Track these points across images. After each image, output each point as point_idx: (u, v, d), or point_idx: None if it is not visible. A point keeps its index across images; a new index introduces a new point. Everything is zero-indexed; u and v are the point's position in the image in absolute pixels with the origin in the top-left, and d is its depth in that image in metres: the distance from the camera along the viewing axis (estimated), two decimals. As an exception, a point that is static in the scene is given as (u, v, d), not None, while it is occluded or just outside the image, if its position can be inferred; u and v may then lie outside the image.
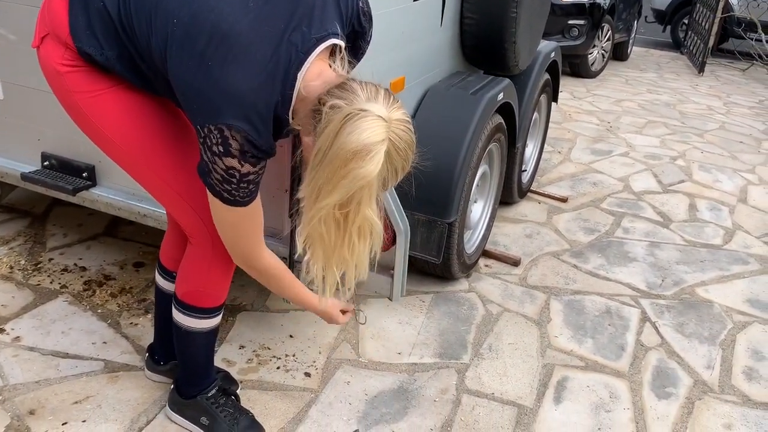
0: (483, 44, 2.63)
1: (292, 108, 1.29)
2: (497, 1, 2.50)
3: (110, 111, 1.45)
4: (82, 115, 1.47)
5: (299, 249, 1.32)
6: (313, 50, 1.26)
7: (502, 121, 2.67)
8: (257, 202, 1.41)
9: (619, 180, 3.94)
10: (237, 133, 1.24)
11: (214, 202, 1.37)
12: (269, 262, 1.53)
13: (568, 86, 6.30)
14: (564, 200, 3.54)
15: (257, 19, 1.23)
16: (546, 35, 6.04)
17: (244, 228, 1.43)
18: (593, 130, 4.90)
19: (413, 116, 2.40)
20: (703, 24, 7.97)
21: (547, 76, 3.31)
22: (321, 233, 1.26)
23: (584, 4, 6.36)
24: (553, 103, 3.69)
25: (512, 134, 2.90)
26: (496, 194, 2.93)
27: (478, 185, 2.65)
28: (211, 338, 1.76)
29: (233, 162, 1.27)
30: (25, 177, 2.29)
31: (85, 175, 2.25)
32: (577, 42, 6.44)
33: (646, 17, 9.32)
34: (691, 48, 8.48)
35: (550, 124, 3.75)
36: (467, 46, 2.68)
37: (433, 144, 2.32)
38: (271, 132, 1.29)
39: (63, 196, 2.30)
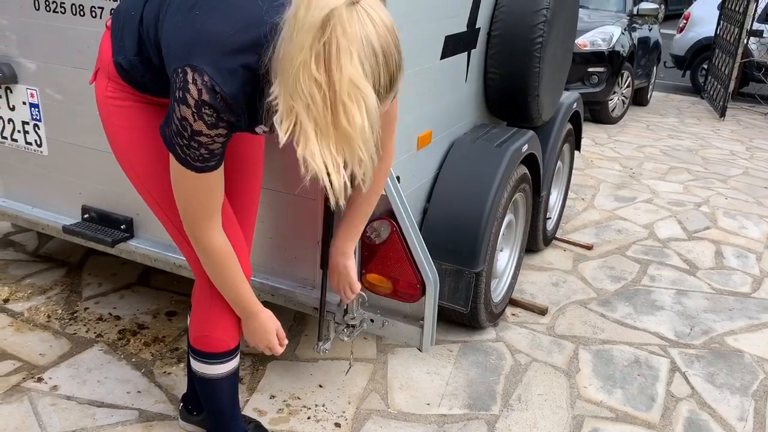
0: (507, 98, 2.70)
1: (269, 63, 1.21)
2: (520, 57, 2.57)
3: (144, 147, 1.54)
4: (118, 147, 1.58)
5: (282, 137, 1.13)
6: None
7: (527, 171, 2.72)
8: (214, 178, 1.37)
9: (644, 227, 3.95)
10: (199, 77, 1.22)
11: (171, 158, 1.36)
12: (217, 242, 1.47)
13: (589, 132, 6.35)
14: (589, 248, 3.55)
15: None
16: (566, 82, 6.15)
17: (196, 196, 1.39)
18: (616, 177, 4.93)
19: (440, 168, 2.45)
20: (723, 69, 8.02)
21: (569, 125, 3.36)
22: (306, 102, 1.10)
23: (603, 52, 6.45)
24: (576, 152, 3.73)
25: (537, 183, 2.94)
26: (521, 243, 2.96)
27: (504, 234, 2.68)
28: (230, 384, 1.77)
29: (187, 112, 1.24)
30: (66, 229, 2.38)
31: (123, 227, 2.33)
32: (597, 89, 6.51)
33: (665, 62, 9.39)
34: (712, 93, 8.51)
35: (573, 171, 3.79)
36: (491, 99, 2.75)
37: (460, 195, 2.37)
38: (240, 89, 1.25)
39: (101, 248, 2.38)
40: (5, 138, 2.48)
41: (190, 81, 1.23)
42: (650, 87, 8.40)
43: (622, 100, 7.09)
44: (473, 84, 2.62)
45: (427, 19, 2.11)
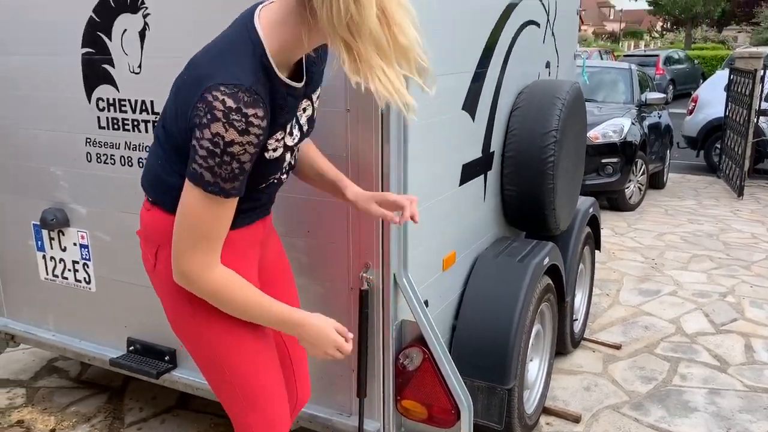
0: (524, 213, 2.84)
1: (273, 56, 1.36)
2: (534, 176, 2.72)
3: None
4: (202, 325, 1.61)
5: (352, 77, 1.28)
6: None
7: (550, 281, 2.81)
8: (231, 206, 1.41)
9: (671, 322, 3.97)
10: (217, 92, 1.30)
11: (189, 196, 1.38)
12: (218, 271, 1.45)
13: (608, 221, 6.45)
14: (618, 347, 3.58)
15: None
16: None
17: (209, 227, 1.40)
18: (638, 269, 4.98)
19: (465, 285, 2.56)
20: (736, 149, 8.16)
21: (588, 229, 3.48)
22: (368, 32, 1.24)
23: (616, 143, 6.65)
24: (597, 251, 3.82)
25: (560, 290, 3.02)
26: (550, 350, 3.01)
27: (532, 344, 2.74)
28: None
29: (217, 126, 1.30)
30: (113, 362, 2.50)
31: (167, 358, 2.44)
32: (613, 179, 6.67)
33: (678, 143, 9.57)
34: (727, 172, 8.62)
35: (595, 265, 3.88)
36: (509, 213, 2.88)
37: (487, 312, 2.46)
38: (260, 83, 1.34)
39: (146, 378, 2.49)
40: (56, 276, 2.65)
41: (211, 100, 1.30)
42: (665, 169, 8.55)
43: (639, 188, 7.22)
44: (491, 201, 2.77)
45: (445, 152, 2.28)
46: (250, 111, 1.32)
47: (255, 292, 1.50)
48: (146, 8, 2.16)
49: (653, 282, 4.67)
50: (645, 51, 24.03)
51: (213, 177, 1.36)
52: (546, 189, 2.73)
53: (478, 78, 2.45)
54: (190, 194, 1.39)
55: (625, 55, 22.92)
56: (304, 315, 1.55)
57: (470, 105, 2.43)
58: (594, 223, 3.62)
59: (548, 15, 3.16)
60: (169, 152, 1.50)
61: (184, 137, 1.41)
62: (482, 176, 2.63)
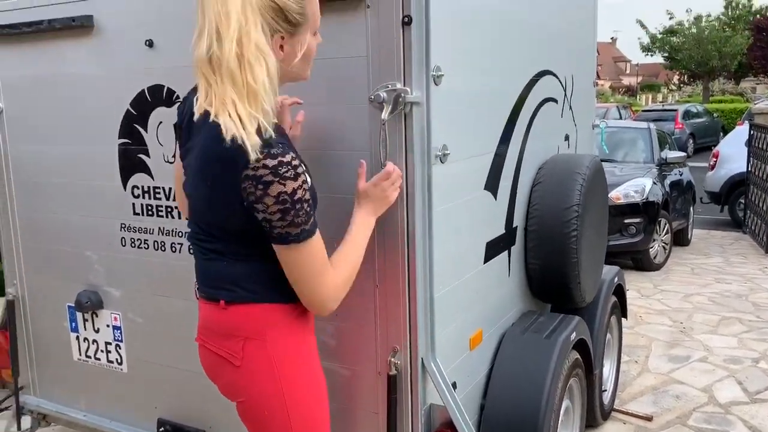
0: (549, 286, 2.85)
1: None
2: (557, 250, 2.74)
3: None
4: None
5: (202, 106, 1.49)
6: None
7: (578, 356, 2.80)
8: (318, 234, 1.59)
9: (702, 390, 3.89)
10: (256, 162, 1.44)
11: (289, 254, 1.55)
12: (335, 281, 1.65)
13: (633, 282, 6.39)
14: (649, 419, 3.51)
15: None
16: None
17: (317, 262, 1.59)
18: (667, 333, 4.91)
19: (493, 363, 2.56)
20: (760, 204, 8.11)
21: (613, 299, 3.47)
22: (233, 72, 1.44)
23: (638, 203, 6.66)
24: (623, 319, 3.80)
25: (588, 362, 3.00)
26: (580, 424, 2.97)
27: (562, 421, 2.71)
28: None
29: (276, 187, 1.46)
30: (143, 444, 2.52)
31: (196, 440, 2.46)
32: (636, 239, 6.65)
33: (701, 198, 9.53)
34: (753, 228, 8.54)
35: (622, 330, 3.84)
36: (534, 287, 2.90)
37: (516, 391, 2.45)
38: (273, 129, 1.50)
39: (176, 460, 2.50)
40: (89, 357, 2.70)
41: (254, 172, 1.45)
42: (690, 226, 8.50)
43: (663, 247, 7.17)
44: (516, 276, 2.79)
45: (469, 232, 2.32)
46: (288, 158, 1.48)
47: (343, 248, 1.72)
48: (180, 102, 2.27)
49: (683, 347, 4.60)
50: (663, 106, 24.16)
51: (296, 228, 1.52)
52: (570, 263, 2.75)
53: (499, 157, 2.51)
54: (289, 253, 1.56)
55: (643, 110, 23.07)
56: (362, 216, 1.78)
57: (492, 184, 2.48)
58: (619, 292, 3.60)
59: (565, 90, 3.24)
60: (232, 244, 1.61)
61: (242, 220, 1.54)
62: (506, 252, 2.67)
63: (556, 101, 3.11)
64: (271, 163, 1.45)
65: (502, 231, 2.61)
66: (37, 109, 2.60)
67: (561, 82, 3.17)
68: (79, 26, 2.38)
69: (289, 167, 1.48)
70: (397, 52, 1.85)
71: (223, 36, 1.44)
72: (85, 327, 2.68)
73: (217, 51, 1.45)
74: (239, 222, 1.56)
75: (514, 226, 2.72)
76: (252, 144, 1.43)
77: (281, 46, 1.55)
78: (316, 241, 1.59)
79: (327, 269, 1.63)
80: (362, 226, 1.77)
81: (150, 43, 2.26)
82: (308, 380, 1.72)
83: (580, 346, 2.85)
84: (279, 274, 1.62)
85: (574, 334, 2.70)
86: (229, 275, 1.64)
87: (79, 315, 2.67)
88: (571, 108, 3.35)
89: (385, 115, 1.83)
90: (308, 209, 1.54)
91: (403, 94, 1.84)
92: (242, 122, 1.44)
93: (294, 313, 1.69)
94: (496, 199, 2.52)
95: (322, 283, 1.62)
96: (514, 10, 2.57)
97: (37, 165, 2.65)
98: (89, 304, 2.58)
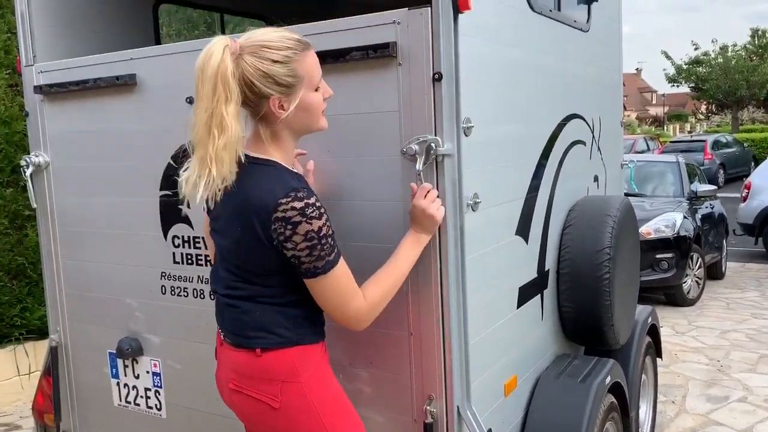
0: (582, 329, 2.85)
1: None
2: (590, 293, 2.75)
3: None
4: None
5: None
6: None
7: (614, 399, 2.78)
8: (342, 262, 1.71)
9: (743, 432, 3.82)
10: (283, 204, 1.59)
11: (319, 286, 1.68)
12: (367, 299, 1.75)
13: (667, 318, 6.30)
14: (689, 462, 3.44)
15: None
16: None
17: (344, 286, 1.71)
18: (704, 372, 4.82)
19: (528, 408, 2.55)
20: (796, 237, 7.97)
21: (648, 339, 3.44)
22: (201, 137, 1.61)
23: (669, 238, 6.60)
24: (658, 359, 3.75)
25: (624, 405, 2.97)
26: (617, 470, 2.93)
27: (598, 466, 2.68)
28: None
29: (304, 227, 1.60)
30: (181, 491, 2.54)
31: (234, 487, 2.48)
32: (668, 274, 6.57)
33: (734, 230, 9.38)
34: (789, 261, 8.38)
35: (658, 369, 3.78)
36: (568, 330, 2.90)
37: (551, 436, 2.44)
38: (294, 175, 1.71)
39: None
40: (128, 403, 2.76)
41: (283, 214, 1.59)
42: (723, 259, 8.37)
43: (696, 282, 7.07)
44: (549, 319, 2.79)
45: (501, 279, 2.34)
46: (312, 199, 1.64)
47: (382, 271, 1.81)
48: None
49: (721, 387, 4.51)
50: (691, 136, 23.96)
51: (322, 260, 1.65)
52: (603, 306, 2.75)
53: (529, 203, 2.55)
54: (317, 284, 1.68)
55: (671, 141, 22.90)
56: (409, 232, 1.87)
57: (523, 229, 2.51)
58: (653, 332, 3.57)
59: (593, 132, 3.27)
60: (261, 286, 1.72)
61: (272, 259, 1.67)
62: (539, 296, 2.68)
63: (584, 143, 3.14)
64: (298, 205, 1.60)
65: (534, 275, 2.63)
66: (81, 162, 2.71)
67: (588, 125, 3.21)
68: (123, 84, 2.49)
69: (314, 208, 1.62)
70: (428, 107, 1.91)
71: (198, 106, 1.63)
72: (125, 373, 2.74)
73: (194, 117, 1.64)
74: (269, 261, 1.69)
75: (546, 269, 2.73)
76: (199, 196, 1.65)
77: (281, 105, 1.67)
78: (341, 269, 1.70)
79: (356, 294, 1.73)
80: (405, 246, 1.86)
81: (190, 100, 2.35)
82: (344, 411, 1.82)
83: (616, 389, 2.83)
84: (306, 317, 1.76)
85: (609, 377, 2.69)
86: (261, 322, 1.73)
87: (119, 361, 2.73)
88: (599, 149, 3.38)
89: (419, 166, 1.89)
90: (332, 242, 1.67)
91: (434, 145, 1.90)
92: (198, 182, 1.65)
93: (322, 350, 1.83)
94: (527, 243, 2.54)
95: (351, 307, 1.72)
96: (541, 61, 2.63)
97: (80, 215, 2.75)
98: (129, 351, 2.65)
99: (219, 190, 1.64)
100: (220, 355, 1.91)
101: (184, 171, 1.71)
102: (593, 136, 3.28)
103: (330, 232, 1.67)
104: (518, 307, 2.48)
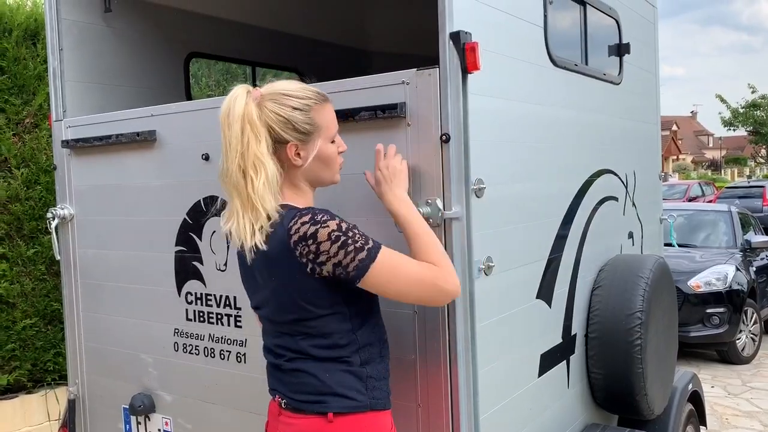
0: (613, 398, 2.68)
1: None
2: (621, 359, 2.59)
3: None
4: None
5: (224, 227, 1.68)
6: None
7: (648, 477, 2.59)
8: (385, 247, 1.64)
9: None
10: (293, 227, 1.58)
11: (377, 278, 1.61)
12: (436, 261, 1.68)
13: (719, 377, 5.95)
14: None
15: None
16: (684, 325, 5.94)
17: (408, 263, 1.65)
18: (757, 440, 4.50)
19: (551, 484, 2.39)
20: None
21: (689, 407, 3.21)
22: (236, 182, 1.61)
23: (721, 292, 6.28)
24: (702, 428, 3.51)
25: (661, 482, 2.76)
26: None
27: None
28: None
29: (321, 234, 1.57)
30: None
31: None
32: (720, 330, 6.23)
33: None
34: None
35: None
36: (598, 398, 2.73)
37: None
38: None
39: None
40: (141, 460, 2.71)
41: (295, 233, 1.59)
42: (783, 314, 7.92)
43: (752, 338, 6.68)
44: (577, 386, 2.63)
45: (519, 346, 2.22)
46: (317, 212, 1.63)
47: (414, 242, 1.72)
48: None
49: (776, 458, 4.19)
50: (749, 182, 23.05)
51: (362, 251, 1.59)
52: (635, 373, 2.58)
53: (553, 263, 2.43)
54: (380, 277, 1.61)
55: (727, 187, 22.12)
56: (393, 200, 1.78)
57: (545, 292, 2.39)
58: (696, 398, 3.34)
59: (626, 187, 3.14)
60: (315, 337, 1.66)
61: (316, 294, 1.63)
62: (564, 362, 2.53)
63: (616, 199, 3.01)
64: (305, 218, 1.60)
65: (559, 340, 2.49)
66: (102, 215, 2.73)
67: (621, 180, 3.08)
68: (143, 140, 2.52)
69: (322, 214, 1.61)
70: (437, 169, 1.85)
71: (228, 152, 1.64)
72: (138, 429, 2.70)
73: (225, 164, 1.64)
74: (314, 298, 1.63)
75: (572, 333, 2.59)
76: (257, 245, 1.62)
77: (298, 153, 1.68)
78: (388, 251, 1.63)
79: (420, 264, 1.66)
80: (401, 213, 1.76)
81: (206, 157, 2.35)
82: None
83: (651, 466, 2.64)
84: (379, 378, 1.70)
85: (642, 454, 2.51)
86: (330, 383, 1.64)
87: (133, 418, 2.70)
88: (634, 204, 3.24)
89: None
90: (361, 233, 1.62)
91: (441, 208, 1.83)
92: (245, 229, 1.63)
93: (391, 419, 1.75)
94: (550, 307, 2.42)
95: (427, 276, 1.64)
96: (565, 116, 2.54)
97: (100, 268, 2.76)
98: (142, 408, 2.61)
99: (260, 230, 1.62)
100: (276, 427, 1.77)
101: (226, 224, 1.69)
102: (627, 192, 3.15)
103: (351, 225, 1.63)
104: (540, 375, 2.34)
